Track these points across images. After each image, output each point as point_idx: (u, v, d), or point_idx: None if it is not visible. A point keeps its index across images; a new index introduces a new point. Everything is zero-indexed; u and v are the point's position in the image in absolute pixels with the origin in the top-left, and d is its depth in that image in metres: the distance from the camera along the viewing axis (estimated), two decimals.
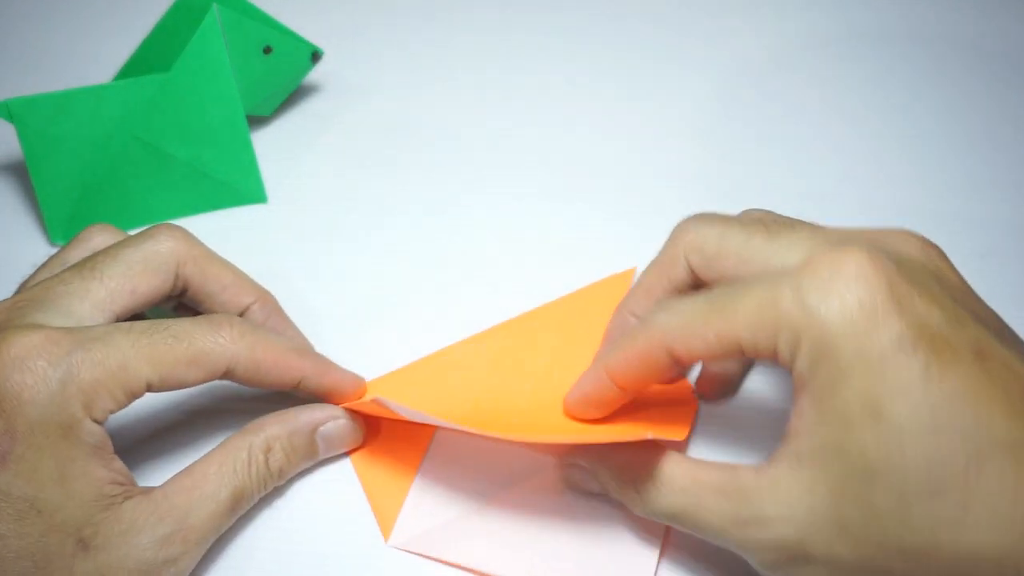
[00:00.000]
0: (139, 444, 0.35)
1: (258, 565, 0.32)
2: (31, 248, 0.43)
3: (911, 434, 0.25)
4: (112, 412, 0.29)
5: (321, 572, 0.32)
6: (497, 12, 0.55)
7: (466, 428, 0.31)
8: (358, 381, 0.35)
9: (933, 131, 0.48)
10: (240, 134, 0.44)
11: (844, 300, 0.26)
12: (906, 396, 0.25)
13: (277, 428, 0.32)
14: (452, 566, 0.32)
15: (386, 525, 0.33)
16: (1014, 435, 0.25)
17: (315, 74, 0.50)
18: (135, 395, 0.29)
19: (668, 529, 0.32)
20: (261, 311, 0.35)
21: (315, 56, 0.48)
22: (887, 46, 0.52)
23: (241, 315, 0.34)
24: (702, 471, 0.29)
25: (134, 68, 0.46)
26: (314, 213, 0.45)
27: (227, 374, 0.31)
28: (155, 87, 0.42)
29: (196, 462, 0.31)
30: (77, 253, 0.34)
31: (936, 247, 0.30)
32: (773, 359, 0.27)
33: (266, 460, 0.32)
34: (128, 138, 0.42)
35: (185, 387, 0.31)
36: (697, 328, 0.28)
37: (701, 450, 0.35)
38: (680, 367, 0.30)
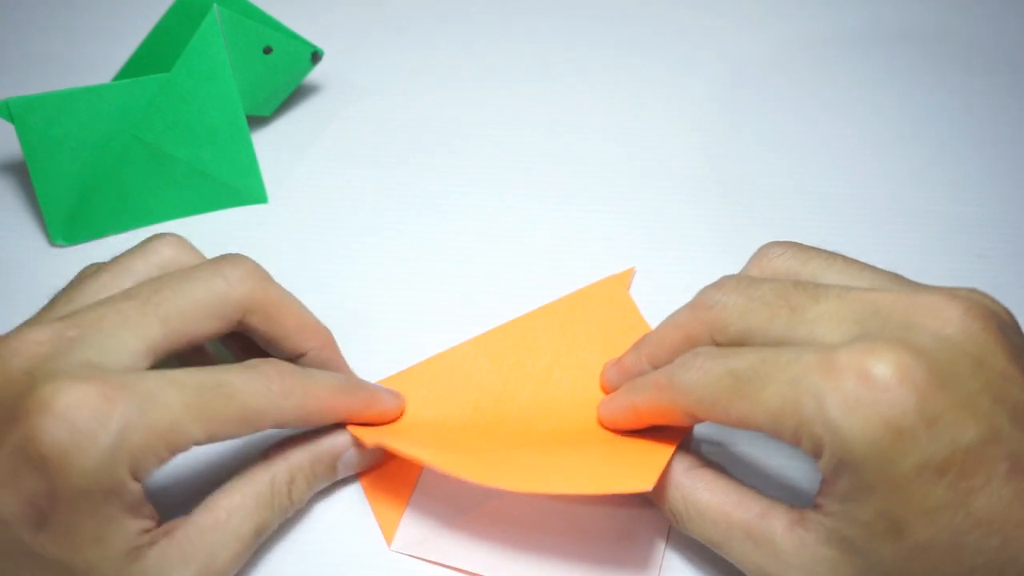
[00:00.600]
0: None
1: (262, 569, 0.32)
2: (31, 248, 0.43)
3: (934, 554, 0.24)
4: (155, 470, 0.28)
5: (323, 573, 0.32)
6: (497, 13, 0.55)
7: (455, 472, 0.30)
8: (400, 401, 0.35)
9: (932, 131, 0.48)
10: (240, 134, 0.44)
11: (868, 420, 0.24)
12: (930, 520, 0.24)
13: (300, 457, 0.32)
14: (454, 570, 0.32)
15: (388, 530, 0.33)
16: None
17: (315, 74, 0.50)
18: (179, 452, 0.28)
19: (670, 530, 0.32)
20: (318, 356, 0.34)
21: (315, 56, 0.48)
22: (886, 46, 0.52)
23: (298, 359, 0.33)
24: (734, 510, 0.29)
25: (134, 68, 0.46)
26: (314, 213, 0.45)
27: (275, 426, 0.31)
28: (155, 87, 0.42)
29: (218, 494, 0.30)
30: (142, 267, 0.32)
31: (983, 315, 0.26)
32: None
33: (288, 492, 0.31)
34: (128, 138, 0.42)
35: (229, 439, 0.30)
36: (720, 402, 0.28)
37: (702, 447, 0.35)
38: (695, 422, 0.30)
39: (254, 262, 0.32)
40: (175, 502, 0.31)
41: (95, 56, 0.51)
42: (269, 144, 0.48)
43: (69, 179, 0.42)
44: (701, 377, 0.28)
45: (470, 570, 0.32)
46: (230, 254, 0.32)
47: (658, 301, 0.38)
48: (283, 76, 0.47)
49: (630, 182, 0.45)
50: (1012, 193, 0.45)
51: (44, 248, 0.43)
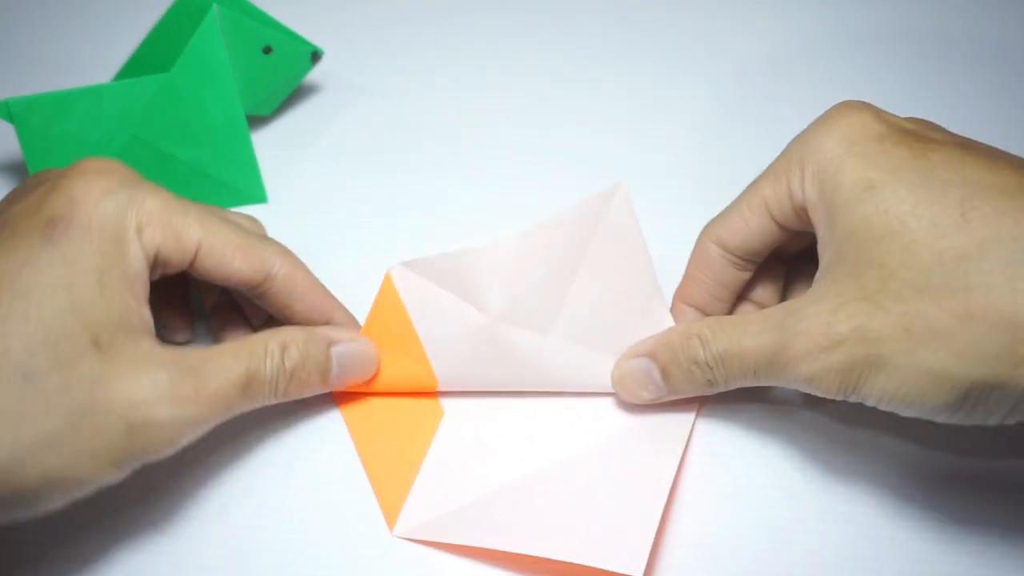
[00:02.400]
0: None
1: (265, 553, 0.33)
2: None
3: (904, 192, 0.29)
4: (159, 249, 0.31)
5: (327, 559, 0.33)
6: (497, 13, 0.55)
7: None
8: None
9: None
10: (240, 134, 0.44)
11: (837, 126, 0.31)
12: (896, 169, 0.30)
13: (295, 331, 0.34)
14: (454, 547, 0.32)
15: (391, 515, 0.33)
16: (1000, 179, 0.29)
17: (315, 74, 0.50)
18: (184, 250, 0.32)
19: (668, 503, 0.32)
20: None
21: (315, 56, 0.48)
22: (884, 46, 0.52)
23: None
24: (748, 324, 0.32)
25: (134, 68, 0.46)
26: (314, 213, 0.45)
27: (265, 282, 0.34)
28: (155, 87, 0.42)
29: (215, 344, 0.33)
30: (238, 217, 0.37)
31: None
32: (795, 214, 0.33)
33: (282, 356, 0.33)
34: (128, 138, 0.42)
35: (227, 279, 0.33)
36: (731, 209, 0.35)
37: (703, 447, 0.36)
38: (734, 260, 0.35)
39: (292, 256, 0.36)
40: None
41: (95, 56, 0.51)
42: (269, 144, 0.48)
43: None
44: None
45: (471, 544, 0.32)
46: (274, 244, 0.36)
47: None
48: (283, 76, 0.47)
49: (631, 181, 0.45)
50: None
51: None
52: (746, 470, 0.35)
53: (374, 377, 0.36)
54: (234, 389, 0.31)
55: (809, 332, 0.30)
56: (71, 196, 0.30)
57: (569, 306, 0.36)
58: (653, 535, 0.31)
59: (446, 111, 0.49)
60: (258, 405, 0.33)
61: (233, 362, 0.32)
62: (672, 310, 0.37)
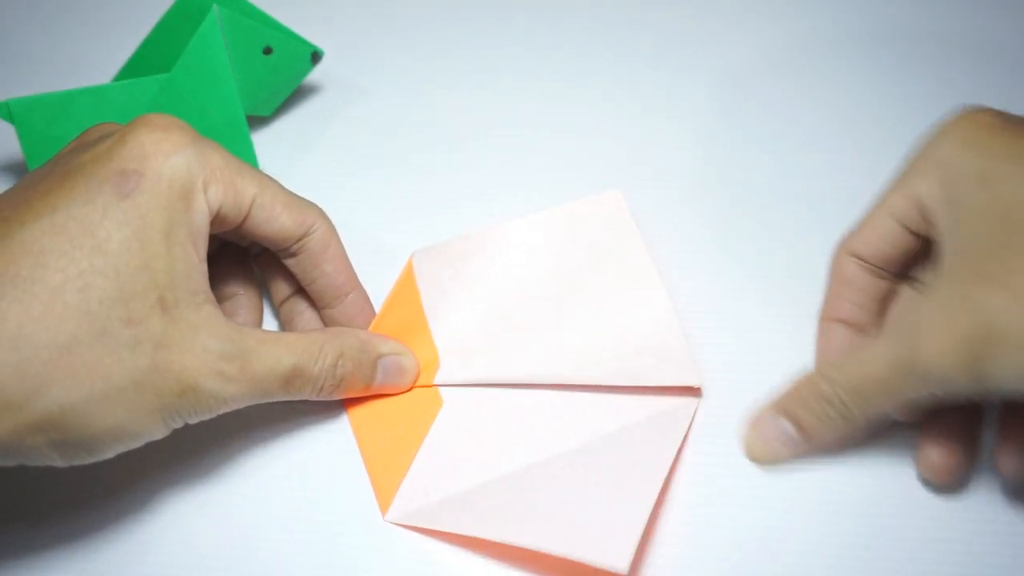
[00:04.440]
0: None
1: (269, 538, 0.34)
2: None
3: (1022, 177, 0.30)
4: (221, 206, 0.32)
5: (325, 543, 0.33)
6: (497, 14, 0.55)
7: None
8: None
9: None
10: (240, 134, 0.44)
11: (956, 126, 0.33)
12: (1013, 157, 0.31)
13: (352, 340, 0.35)
14: (446, 536, 0.33)
15: (384, 501, 0.34)
16: None
17: (315, 74, 0.50)
18: (241, 205, 0.33)
19: (659, 500, 0.32)
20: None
21: (315, 56, 0.48)
22: (882, 48, 0.52)
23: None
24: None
25: (134, 68, 0.46)
26: None
27: (304, 237, 0.35)
28: (155, 87, 0.42)
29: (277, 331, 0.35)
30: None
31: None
32: (921, 216, 0.34)
33: (335, 362, 0.34)
34: None
35: (273, 234, 0.34)
36: (864, 219, 0.36)
37: (697, 445, 0.36)
38: (872, 268, 0.36)
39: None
40: None
41: (95, 56, 0.51)
42: (269, 144, 0.48)
43: None
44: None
45: (462, 533, 0.32)
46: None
47: None
48: (283, 76, 0.47)
49: (629, 183, 0.45)
50: None
51: None
52: (740, 470, 0.35)
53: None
54: (278, 380, 0.33)
55: (931, 324, 0.30)
56: (143, 150, 0.31)
57: (570, 296, 0.37)
58: (641, 530, 0.31)
59: (446, 111, 0.49)
60: (296, 398, 0.34)
61: (285, 353, 0.33)
62: (819, 331, 0.37)
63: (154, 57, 0.44)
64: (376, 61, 0.52)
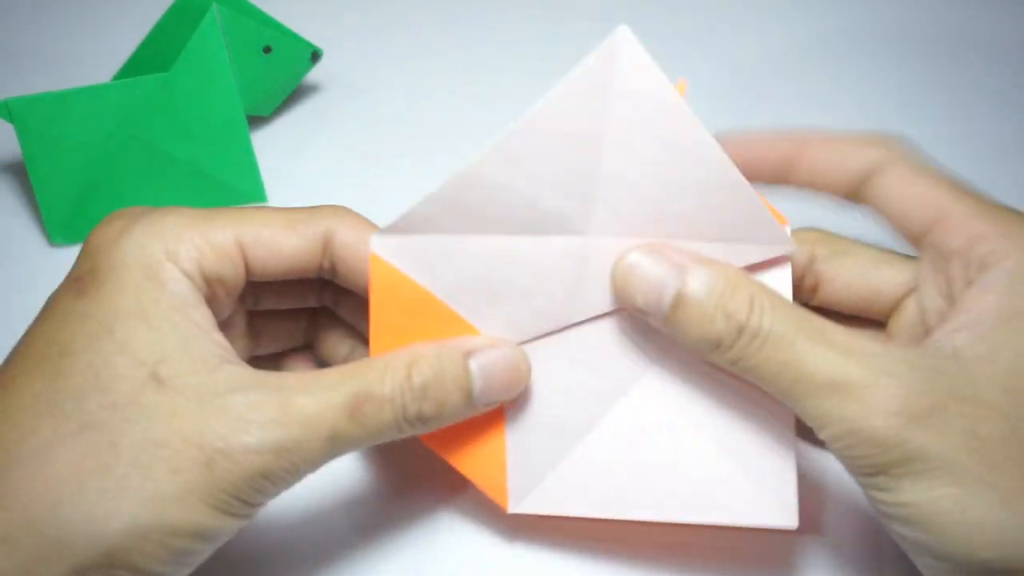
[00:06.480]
0: None
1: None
2: (31, 248, 0.43)
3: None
4: (203, 266, 0.28)
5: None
6: (497, 14, 0.55)
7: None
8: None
9: (931, 130, 0.48)
10: (240, 134, 0.44)
11: None
12: None
13: (423, 347, 0.28)
14: (581, 519, 0.30)
15: (499, 495, 0.30)
16: None
17: (315, 74, 0.50)
18: (226, 255, 0.28)
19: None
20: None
21: (315, 56, 0.48)
22: (885, 47, 0.52)
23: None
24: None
25: (134, 68, 0.46)
26: None
27: (330, 247, 0.30)
28: (155, 87, 0.42)
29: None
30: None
31: None
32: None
33: (408, 372, 0.27)
34: (128, 138, 0.42)
35: (291, 266, 0.29)
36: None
37: None
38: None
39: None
40: None
41: (95, 56, 0.51)
42: (269, 144, 0.48)
43: (68, 179, 0.42)
44: None
45: (599, 515, 0.30)
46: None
47: None
48: (283, 76, 0.47)
49: None
50: (1012, 193, 0.45)
51: (44, 248, 0.43)
52: None
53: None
54: (337, 410, 0.26)
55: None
56: (92, 249, 0.28)
57: (607, 198, 0.29)
58: (795, 482, 0.28)
59: (446, 111, 0.49)
60: (377, 437, 0.27)
61: (339, 379, 0.27)
62: None
63: (154, 56, 0.44)
64: (376, 61, 0.52)
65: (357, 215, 0.31)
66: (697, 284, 0.26)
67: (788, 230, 0.29)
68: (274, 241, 0.29)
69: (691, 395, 0.29)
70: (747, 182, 0.28)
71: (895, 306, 0.31)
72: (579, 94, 0.29)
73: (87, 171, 0.42)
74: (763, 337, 0.26)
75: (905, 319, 0.30)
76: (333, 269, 0.31)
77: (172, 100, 0.42)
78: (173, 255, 0.28)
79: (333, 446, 0.26)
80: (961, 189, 0.29)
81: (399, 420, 0.27)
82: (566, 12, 0.55)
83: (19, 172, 0.46)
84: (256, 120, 0.48)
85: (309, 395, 0.26)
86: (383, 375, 0.27)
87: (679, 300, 0.27)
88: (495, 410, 0.30)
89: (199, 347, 0.26)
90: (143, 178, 0.43)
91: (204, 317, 0.27)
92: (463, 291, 0.30)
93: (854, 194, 0.31)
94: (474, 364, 0.28)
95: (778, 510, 0.28)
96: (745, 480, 0.29)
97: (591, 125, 0.29)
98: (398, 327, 0.30)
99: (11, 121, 0.41)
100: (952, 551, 0.25)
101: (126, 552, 0.24)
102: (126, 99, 0.42)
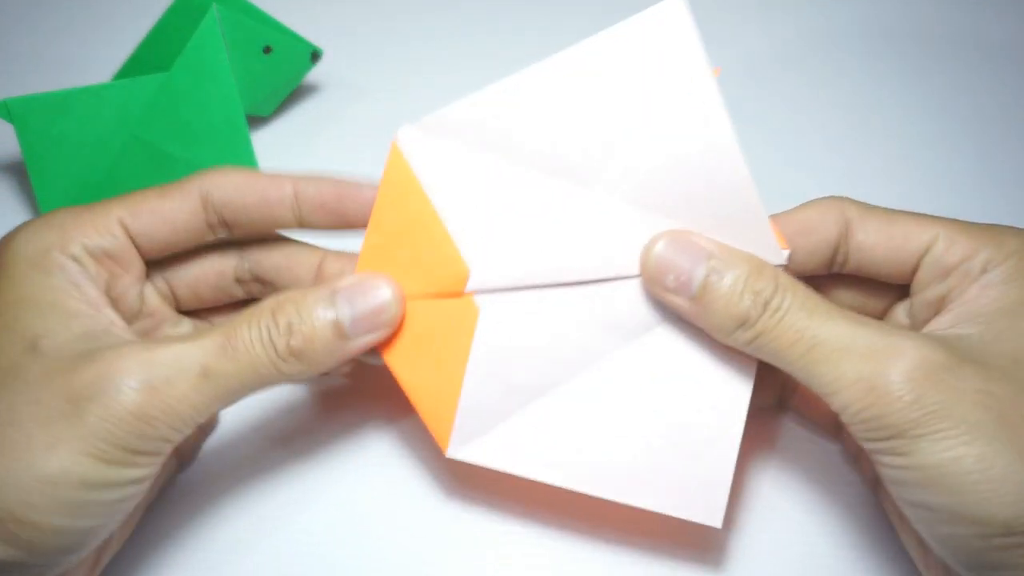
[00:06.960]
0: None
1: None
2: None
3: None
4: (90, 250, 0.30)
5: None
6: (497, 13, 0.55)
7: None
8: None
9: (933, 129, 0.48)
10: (240, 134, 0.44)
11: None
12: None
13: (292, 292, 0.29)
14: (515, 477, 0.30)
15: (442, 436, 0.31)
16: None
17: (315, 74, 0.50)
18: (107, 228, 0.30)
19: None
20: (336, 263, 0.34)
21: (315, 56, 0.48)
22: (888, 45, 0.52)
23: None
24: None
25: (134, 68, 0.46)
26: None
27: (205, 201, 0.31)
28: (155, 87, 0.42)
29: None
30: None
31: None
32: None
33: (272, 312, 0.29)
34: (128, 138, 0.42)
35: (164, 227, 0.31)
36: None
37: None
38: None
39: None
40: None
41: (95, 56, 0.51)
42: (269, 144, 0.48)
43: (69, 179, 0.42)
44: None
45: (532, 477, 0.30)
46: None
47: None
48: (283, 76, 0.47)
49: None
50: (1013, 192, 0.45)
51: None
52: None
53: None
54: (207, 348, 0.28)
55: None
56: None
57: (622, 160, 0.29)
58: (728, 485, 0.29)
59: None
60: (256, 374, 0.28)
61: (210, 328, 0.28)
62: None
63: (153, 56, 0.44)
64: (376, 61, 0.52)
65: (230, 167, 0.32)
66: (727, 268, 0.28)
67: (786, 255, 0.29)
68: (150, 209, 0.31)
69: (653, 382, 0.30)
70: (754, 186, 0.29)
71: (918, 261, 0.31)
72: (617, 49, 0.30)
73: (87, 171, 0.42)
74: (784, 310, 0.27)
75: (925, 277, 0.31)
76: (224, 223, 0.32)
77: (172, 100, 0.42)
78: (61, 244, 0.30)
79: (208, 383, 0.27)
80: (936, 216, 0.31)
81: (271, 356, 0.28)
82: (567, 13, 0.55)
83: (19, 172, 0.46)
84: (256, 120, 0.48)
85: (180, 340, 0.28)
86: (250, 317, 0.28)
87: (709, 282, 0.28)
88: (459, 348, 0.30)
89: (81, 322, 0.28)
90: (143, 178, 0.43)
91: (94, 294, 0.30)
92: (463, 210, 0.30)
93: (829, 262, 0.32)
94: (341, 298, 0.29)
95: (706, 508, 0.29)
96: (683, 474, 0.30)
97: (621, 82, 0.30)
98: (388, 245, 0.31)
99: (11, 121, 0.41)
100: (973, 512, 0.25)
101: (6, 504, 0.25)
102: (126, 99, 0.42)
